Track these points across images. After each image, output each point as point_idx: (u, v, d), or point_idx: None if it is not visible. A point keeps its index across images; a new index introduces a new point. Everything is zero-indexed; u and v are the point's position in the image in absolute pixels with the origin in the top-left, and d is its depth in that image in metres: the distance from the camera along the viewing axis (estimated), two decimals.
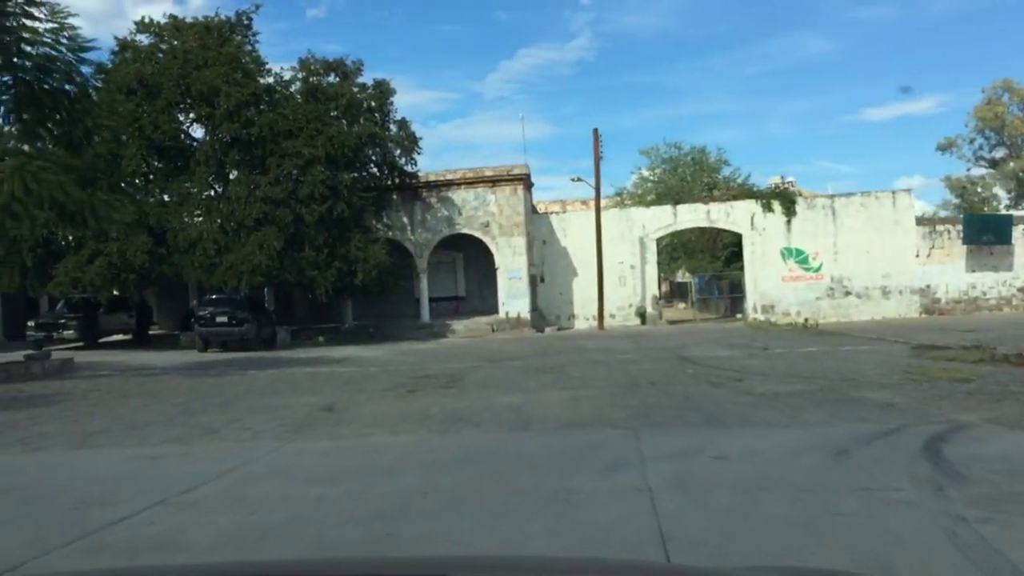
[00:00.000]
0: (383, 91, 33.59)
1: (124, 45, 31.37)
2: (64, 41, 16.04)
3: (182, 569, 3.20)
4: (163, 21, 32.35)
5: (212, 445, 9.05)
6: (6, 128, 16.65)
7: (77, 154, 16.85)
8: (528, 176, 36.47)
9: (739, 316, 37.91)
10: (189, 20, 32.28)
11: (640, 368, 16.19)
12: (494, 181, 35.52)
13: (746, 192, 43.88)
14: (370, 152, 33.66)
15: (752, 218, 37.43)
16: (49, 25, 15.68)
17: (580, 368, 16.85)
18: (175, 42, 31.50)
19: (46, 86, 16.20)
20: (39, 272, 29.36)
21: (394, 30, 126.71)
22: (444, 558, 3.82)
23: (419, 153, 33.97)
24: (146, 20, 32.29)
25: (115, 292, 30.62)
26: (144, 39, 32.07)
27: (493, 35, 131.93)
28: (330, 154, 30.45)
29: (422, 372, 17.66)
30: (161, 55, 31.36)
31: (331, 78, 33.66)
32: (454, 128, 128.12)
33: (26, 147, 17.33)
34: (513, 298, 35.16)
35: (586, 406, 10.86)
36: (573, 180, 51.13)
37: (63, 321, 31.22)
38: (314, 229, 30.07)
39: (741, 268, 39.17)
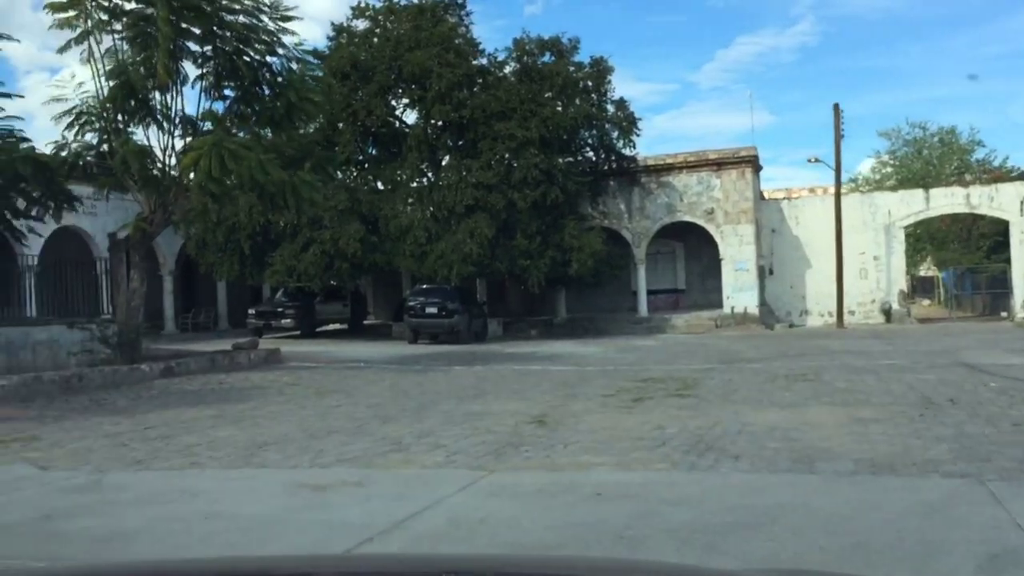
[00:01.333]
0: (600, 70, 31.47)
1: (340, 30, 30.98)
2: (265, 8, 14.97)
3: (180, 565, 2.88)
4: (379, 4, 31.83)
5: (393, 472, 7.17)
6: (206, 104, 15.86)
7: (280, 131, 15.78)
8: (756, 158, 33.18)
9: (1004, 314, 32.87)
10: (404, 3, 31.51)
11: (922, 379, 13.06)
12: (719, 164, 32.52)
13: (1014, 175, 38.32)
14: (586, 134, 31.70)
15: (1022, 203, 32.34)
16: None
17: (840, 375, 13.91)
18: (389, 25, 30.81)
19: (246, 58, 15.21)
20: (256, 260, 29.46)
21: (609, 23, 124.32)
22: (447, 557, 3.48)
23: (638, 134, 31.60)
24: (362, 5, 31.84)
25: (330, 281, 30.29)
26: (360, 24, 31.66)
27: (710, 23, 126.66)
28: (544, 136, 28.71)
29: (645, 374, 15.33)
30: (375, 39, 30.78)
31: (546, 57, 31.93)
32: (669, 120, 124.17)
33: (232, 128, 16.47)
34: (739, 291, 32.07)
35: (878, 433, 8.15)
36: (810, 161, 46.84)
37: (281, 310, 31.29)
38: (527, 216, 28.43)
39: (1005, 260, 34.08)
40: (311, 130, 16.81)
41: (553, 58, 31.69)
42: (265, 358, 18.82)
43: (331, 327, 34.62)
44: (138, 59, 14.65)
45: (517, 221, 28.49)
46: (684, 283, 37.36)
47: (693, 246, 35.10)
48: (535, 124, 28.55)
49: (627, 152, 32.29)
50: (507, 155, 28.64)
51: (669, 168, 33.06)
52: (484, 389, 13.89)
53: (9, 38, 16.28)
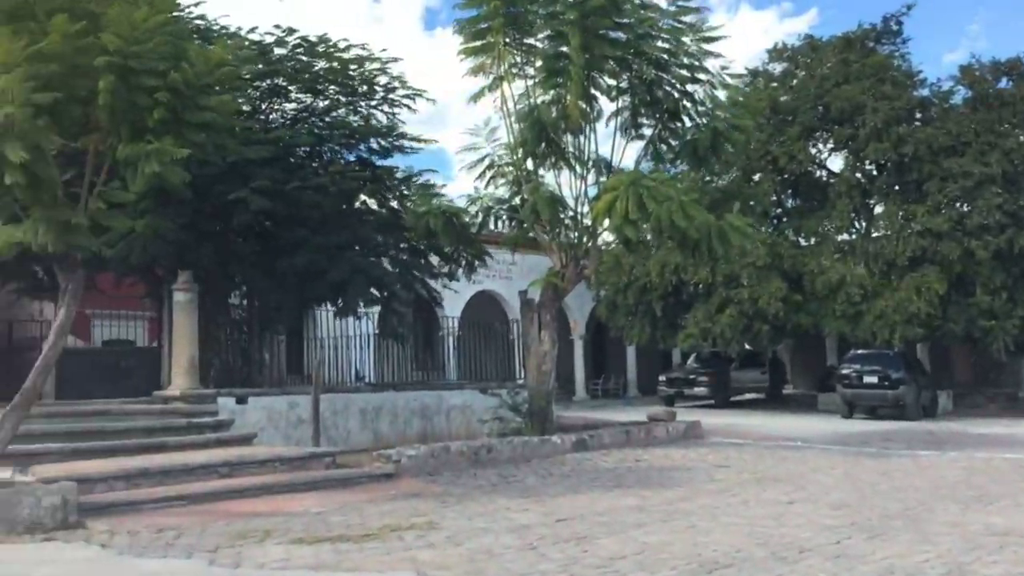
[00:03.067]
0: None
1: (755, 74, 28.55)
2: (686, 29, 12.98)
3: None
4: (798, 44, 29.01)
5: None
6: (621, 142, 14.16)
7: (702, 167, 13.61)
8: None
9: None
10: (827, 38, 28.38)
11: None
12: None
13: None
14: None
15: None
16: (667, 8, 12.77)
17: None
18: (810, 62, 27.84)
19: (666, 87, 13.29)
20: (668, 323, 27.55)
21: None
22: None
23: None
24: (779, 46, 29.27)
25: (745, 345, 27.48)
26: (777, 67, 29.05)
27: None
28: (1007, 172, 23.78)
29: None
30: (795, 80, 27.97)
31: (1002, 83, 26.86)
32: None
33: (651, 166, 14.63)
34: None
35: None
36: None
37: (694, 377, 29.01)
38: (988, 267, 23.50)
39: None
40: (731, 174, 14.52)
41: (1011, 83, 26.57)
42: (684, 432, 16.51)
43: (746, 396, 31.61)
44: (548, 97, 13.33)
45: (976, 274, 23.69)
46: None
47: None
48: (995, 158, 23.78)
49: None
50: (960, 195, 24.07)
51: None
52: (985, 488, 10.27)
53: (423, 96, 16.04)
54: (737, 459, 13.52)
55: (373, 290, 14.72)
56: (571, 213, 14.08)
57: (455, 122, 34.69)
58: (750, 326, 25.32)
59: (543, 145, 13.39)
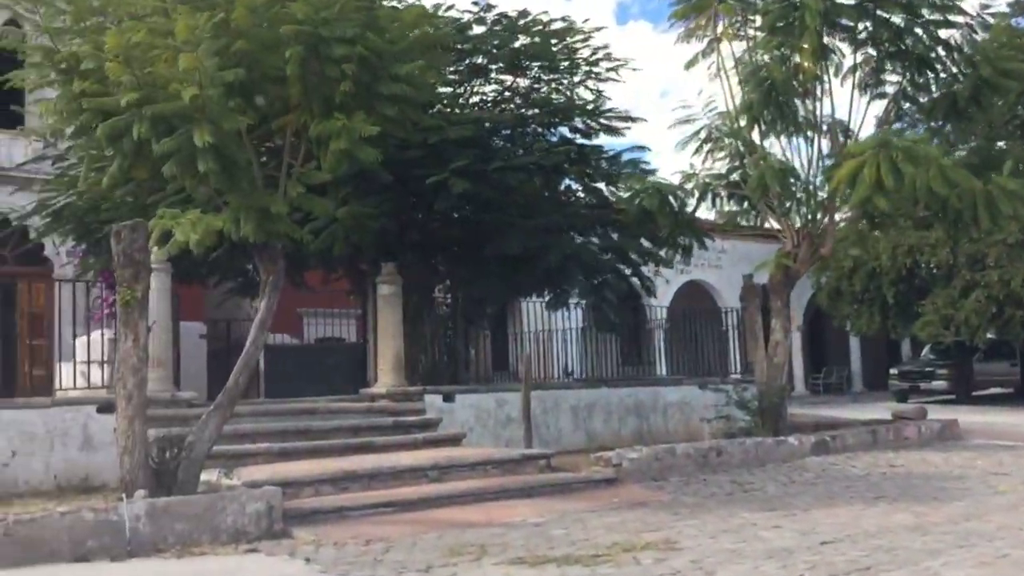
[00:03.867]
0: None
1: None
2: None
3: None
4: None
5: None
6: (862, 100, 12.38)
7: (962, 123, 11.64)
8: None
9: None
10: None
11: None
12: None
13: None
14: None
15: None
16: None
17: None
18: None
19: (916, 32, 11.43)
20: (901, 311, 24.93)
21: None
22: None
23: None
24: None
25: (995, 335, 24.43)
26: None
27: None
28: None
29: None
30: None
31: None
32: None
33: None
34: None
35: None
36: None
37: (931, 369, 26.16)
38: None
39: None
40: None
41: None
42: (939, 432, 14.42)
43: (992, 391, 28.25)
44: (776, 54, 11.77)
45: None
46: None
47: None
48: None
49: None
50: None
51: None
52: None
53: (628, 67, 14.82)
54: (1014, 465, 11.47)
55: (585, 278, 13.63)
56: (804, 185, 12.44)
57: (651, 118, 33.07)
58: (1000, 312, 22.39)
59: (770, 109, 11.84)
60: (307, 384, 12.35)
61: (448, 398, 12.38)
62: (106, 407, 9.78)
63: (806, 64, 11.47)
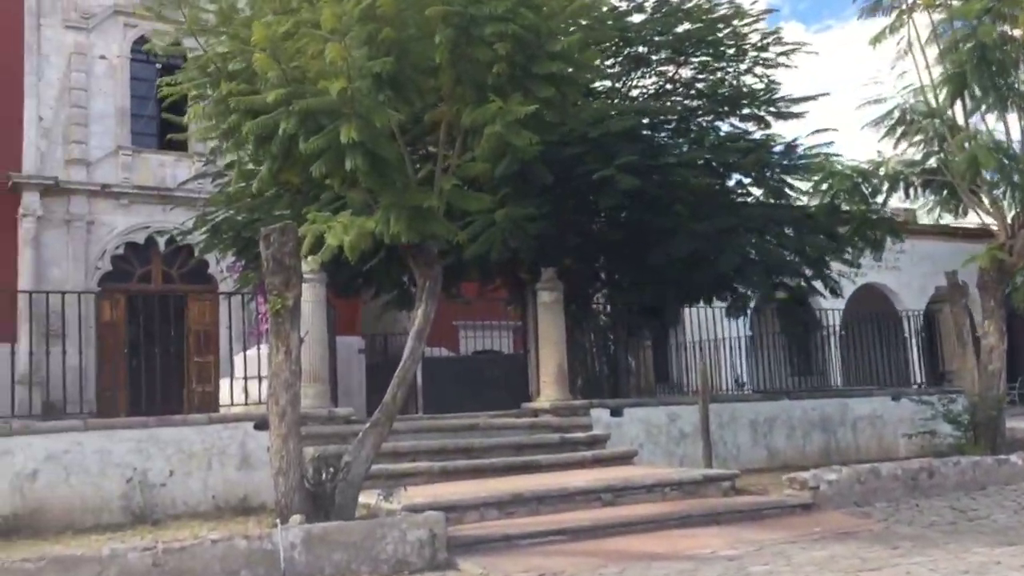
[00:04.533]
0: None
1: None
2: None
3: None
4: None
5: None
6: None
7: None
8: None
9: None
10: None
11: None
12: None
13: None
14: None
15: None
16: None
17: None
18: None
19: None
20: None
21: None
22: None
23: None
24: None
25: None
26: None
27: None
28: None
29: None
30: None
31: None
32: None
33: None
34: None
35: None
36: None
37: None
38: None
39: None
40: None
41: None
42: None
43: None
44: (985, 20, 10.31)
45: None
46: None
47: None
48: None
49: None
50: None
51: None
52: None
53: (799, 50, 13.56)
54: None
55: (766, 280, 12.42)
56: (1021, 166, 10.85)
57: (815, 119, 31.29)
58: None
59: (982, 78, 10.36)
60: (466, 398, 11.70)
61: (616, 412, 11.48)
62: (263, 424, 9.39)
63: (1020, 30, 9.97)
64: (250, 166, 10.29)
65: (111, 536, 7.81)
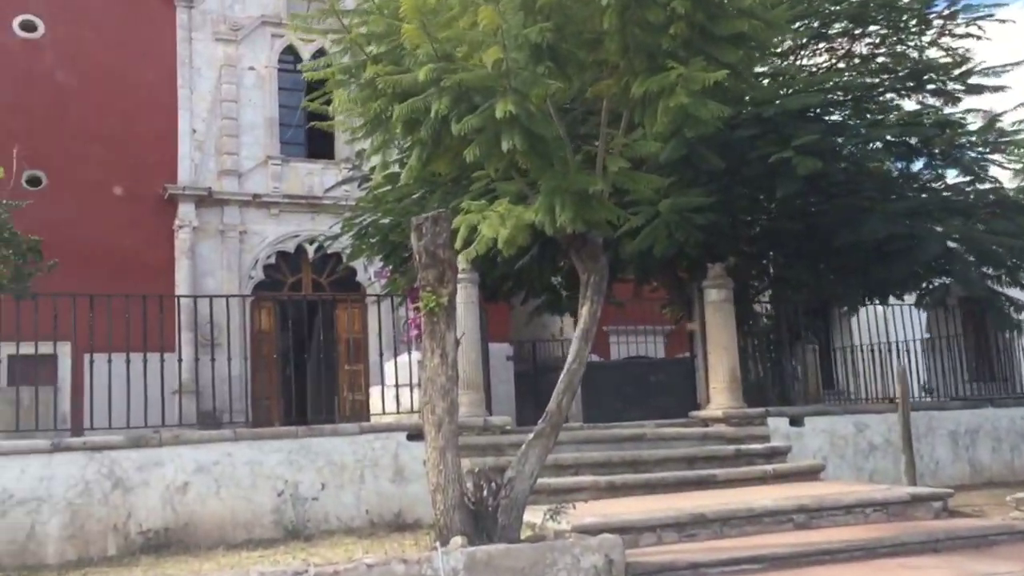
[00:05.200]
0: None
1: None
2: None
3: None
4: None
5: None
6: None
7: None
8: None
9: None
10: None
11: None
12: None
13: None
14: None
15: None
16: None
17: None
18: None
19: None
20: None
21: None
22: None
23: None
24: None
25: None
26: None
27: None
28: None
29: None
30: None
31: None
32: None
33: None
34: None
35: None
36: None
37: None
38: None
39: None
40: None
41: None
42: None
43: None
44: None
45: None
46: None
47: None
48: None
49: None
50: None
51: None
52: None
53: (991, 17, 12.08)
54: None
55: (967, 270, 11.00)
56: None
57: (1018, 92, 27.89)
58: None
59: None
60: (628, 407, 10.83)
61: (795, 422, 10.36)
62: (416, 434, 8.86)
63: None
64: (395, 168, 9.83)
65: (262, 553, 7.36)
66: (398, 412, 10.11)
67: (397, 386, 10.63)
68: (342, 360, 18.96)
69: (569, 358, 6.96)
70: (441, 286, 6.22)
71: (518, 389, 15.46)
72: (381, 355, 11.24)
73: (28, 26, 18.35)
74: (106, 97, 18.38)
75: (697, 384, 11.35)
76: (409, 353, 11.43)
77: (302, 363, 17.63)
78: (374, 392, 11.87)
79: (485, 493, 6.34)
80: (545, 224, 6.57)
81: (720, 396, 10.37)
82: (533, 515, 6.71)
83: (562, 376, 6.88)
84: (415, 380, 10.68)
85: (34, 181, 17.06)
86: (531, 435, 6.71)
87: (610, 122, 6.97)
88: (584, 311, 6.98)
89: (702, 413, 10.59)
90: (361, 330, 19.14)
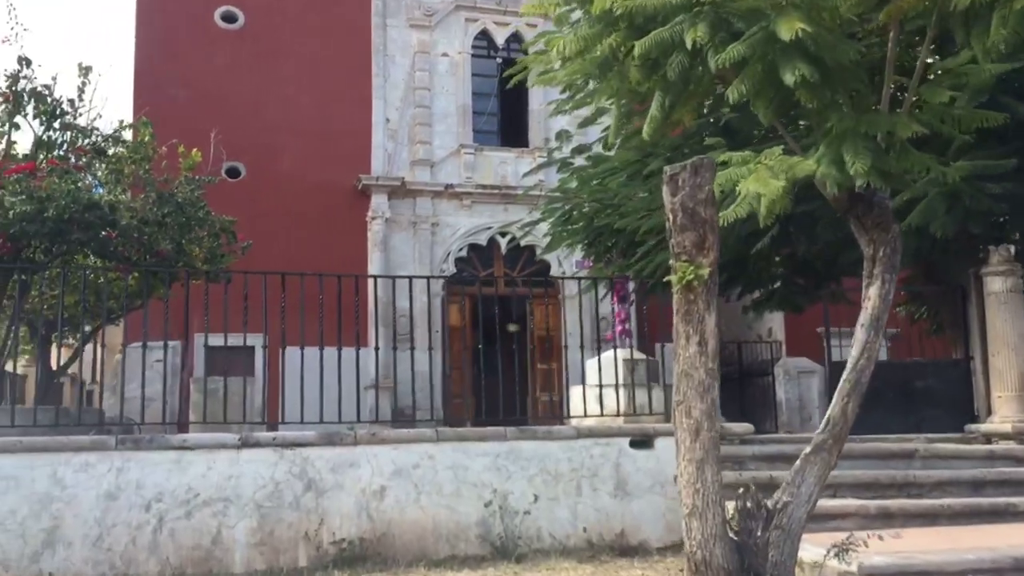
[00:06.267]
0: None
1: None
2: None
3: None
4: None
5: None
6: None
7: None
8: None
9: None
10: None
11: None
12: None
13: None
14: None
15: None
16: None
17: None
18: None
19: None
20: None
21: None
22: None
23: None
24: None
25: None
26: None
27: None
28: None
29: None
30: None
31: None
32: None
33: None
34: None
35: None
36: None
37: None
38: None
39: None
40: None
41: None
42: None
43: None
44: None
45: None
46: None
47: None
48: None
49: None
50: None
51: None
52: None
53: None
54: None
55: None
56: None
57: None
58: None
59: None
60: (888, 416, 9.07)
61: None
62: (639, 441, 7.58)
63: None
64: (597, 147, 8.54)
65: (470, 574, 6.30)
66: (601, 414, 8.83)
67: (600, 386, 9.35)
68: (535, 358, 17.91)
69: (854, 352, 5.47)
70: (700, 254, 4.90)
71: (724, 393, 13.85)
72: (582, 353, 9.95)
73: (229, 17, 18.39)
74: (302, 87, 18.16)
75: (974, 391, 9.43)
76: (615, 350, 10.15)
77: (493, 360, 16.73)
78: (574, 392, 10.65)
79: (753, 522, 4.98)
80: (828, 179, 5.15)
81: (1007, 407, 8.50)
82: (814, 549, 5.29)
83: (845, 374, 5.40)
84: (621, 380, 9.43)
85: (233, 172, 16.97)
86: (807, 448, 5.29)
87: (910, 45, 5.46)
88: (872, 293, 5.48)
89: (983, 427, 8.74)
90: (555, 326, 18.05)
